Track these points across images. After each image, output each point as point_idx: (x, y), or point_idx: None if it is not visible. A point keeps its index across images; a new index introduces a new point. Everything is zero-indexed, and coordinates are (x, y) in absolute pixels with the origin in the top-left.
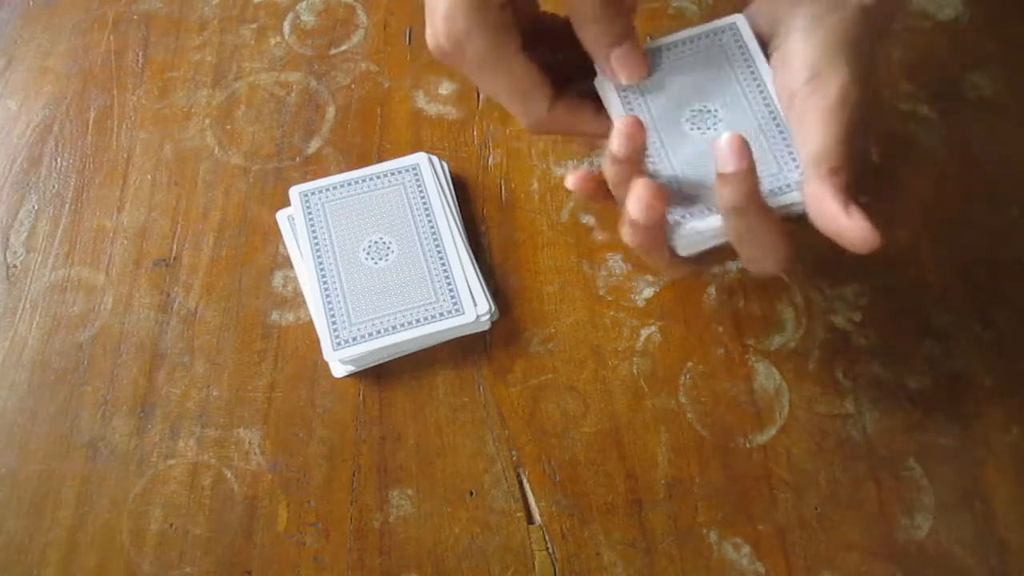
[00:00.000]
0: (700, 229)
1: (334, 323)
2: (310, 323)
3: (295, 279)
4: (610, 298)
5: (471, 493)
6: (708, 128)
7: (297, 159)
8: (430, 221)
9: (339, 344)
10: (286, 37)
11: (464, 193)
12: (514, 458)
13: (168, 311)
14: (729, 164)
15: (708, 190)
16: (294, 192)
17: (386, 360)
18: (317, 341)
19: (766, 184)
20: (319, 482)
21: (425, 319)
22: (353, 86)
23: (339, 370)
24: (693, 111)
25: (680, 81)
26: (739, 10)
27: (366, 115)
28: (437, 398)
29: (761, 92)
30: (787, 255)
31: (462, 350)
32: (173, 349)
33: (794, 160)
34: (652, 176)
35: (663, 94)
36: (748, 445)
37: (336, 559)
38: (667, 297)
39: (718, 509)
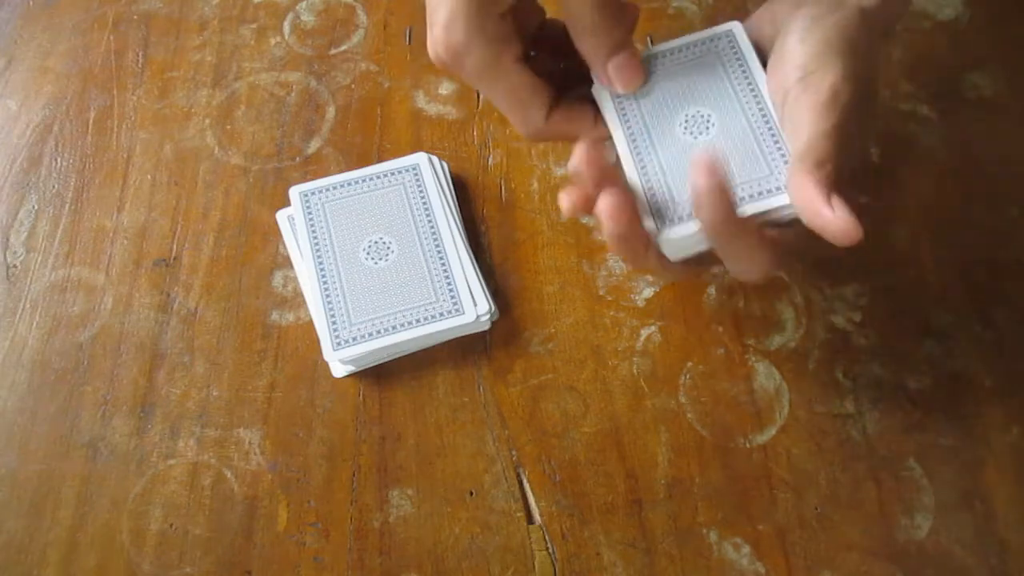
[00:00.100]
0: (676, 236)
1: (334, 323)
2: (310, 323)
3: (295, 279)
4: (610, 298)
5: (471, 493)
6: (701, 133)
7: (297, 159)
8: (430, 221)
9: (339, 344)
10: (286, 37)
11: (464, 193)
12: (514, 458)
13: (168, 311)
14: (700, 180)
15: (687, 198)
16: (294, 192)
17: (386, 360)
18: (317, 341)
19: (755, 187)
20: (319, 482)
21: (425, 319)
22: (353, 86)
23: (339, 370)
24: (687, 116)
25: (675, 87)
26: (739, 10)
27: (366, 115)
28: (437, 398)
29: (755, 97)
30: (770, 264)
31: (462, 350)
32: (173, 349)
33: (787, 165)
34: (629, 184)
35: (658, 101)
36: (748, 445)
37: (336, 559)
38: (667, 297)
39: (718, 509)
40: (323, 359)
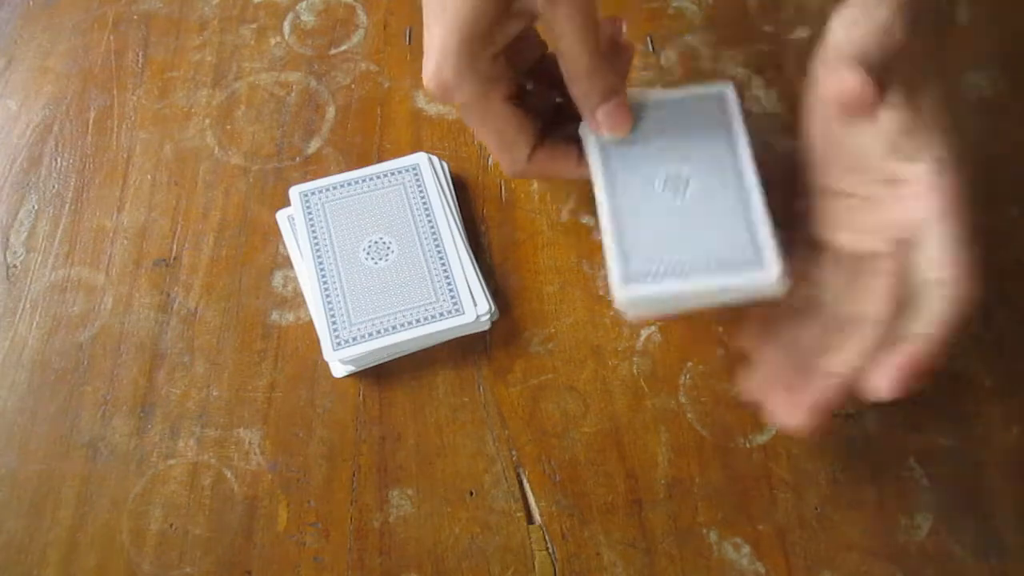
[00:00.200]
0: (636, 295)
1: (334, 323)
2: (310, 323)
3: (295, 279)
4: (610, 298)
5: (471, 493)
6: (678, 192)
7: (297, 159)
8: (430, 221)
9: (339, 344)
10: (286, 37)
11: (464, 193)
12: (514, 458)
13: (168, 311)
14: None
15: (666, 256)
16: (294, 192)
17: (386, 360)
18: (317, 341)
19: (721, 254)
20: (319, 482)
21: (425, 319)
22: (353, 86)
23: (339, 370)
24: (668, 173)
25: (659, 142)
26: (739, 10)
27: (366, 115)
28: (437, 398)
29: (735, 165)
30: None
31: (462, 350)
32: (173, 349)
33: (753, 244)
34: (601, 229)
35: (641, 152)
36: (748, 445)
37: (336, 559)
38: None
39: (718, 509)
40: (323, 359)
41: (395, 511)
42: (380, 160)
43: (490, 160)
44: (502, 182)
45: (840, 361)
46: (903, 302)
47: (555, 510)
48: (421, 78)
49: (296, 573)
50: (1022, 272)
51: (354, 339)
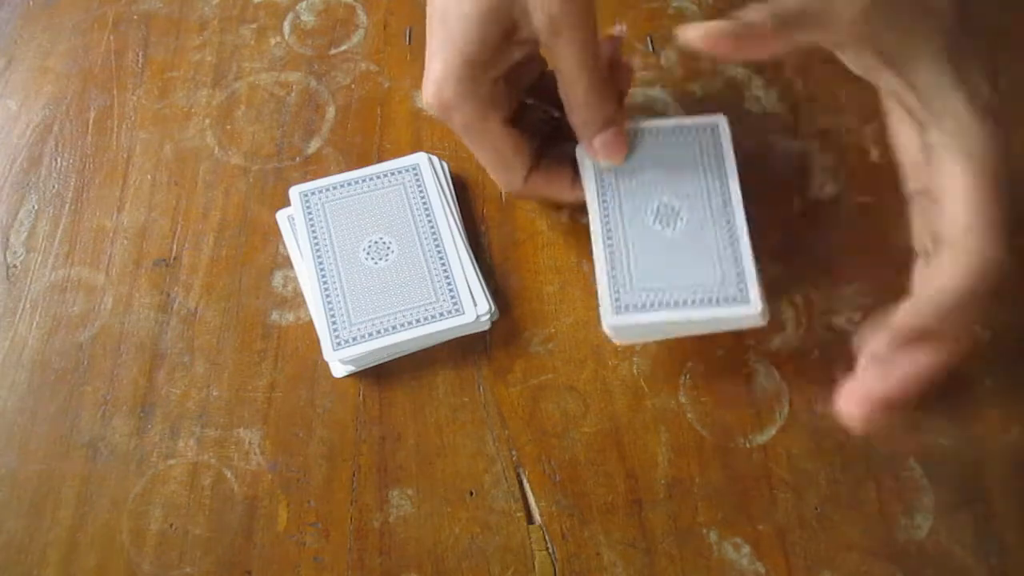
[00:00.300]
0: (624, 323)
1: (334, 323)
2: (310, 323)
3: (295, 279)
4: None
5: (471, 493)
6: (669, 225)
7: (297, 159)
8: (430, 221)
9: (339, 344)
10: (286, 37)
11: (464, 193)
12: (514, 458)
13: (168, 311)
14: None
15: (656, 286)
16: (294, 192)
17: (386, 360)
18: (317, 341)
19: (708, 287)
20: (319, 482)
21: (425, 319)
22: (353, 86)
23: (339, 370)
24: (660, 204)
25: (653, 171)
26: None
27: (366, 115)
28: (437, 398)
29: (725, 200)
30: None
31: (462, 350)
32: (173, 349)
33: (739, 279)
34: (593, 254)
35: (635, 180)
36: (748, 445)
37: (336, 559)
38: None
39: (718, 509)
40: (323, 359)
41: (395, 511)
42: (380, 160)
43: None
44: None
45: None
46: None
47: (555, 510)
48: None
49: (296, 573)
50: (1021, 271)
51: (354, 339)
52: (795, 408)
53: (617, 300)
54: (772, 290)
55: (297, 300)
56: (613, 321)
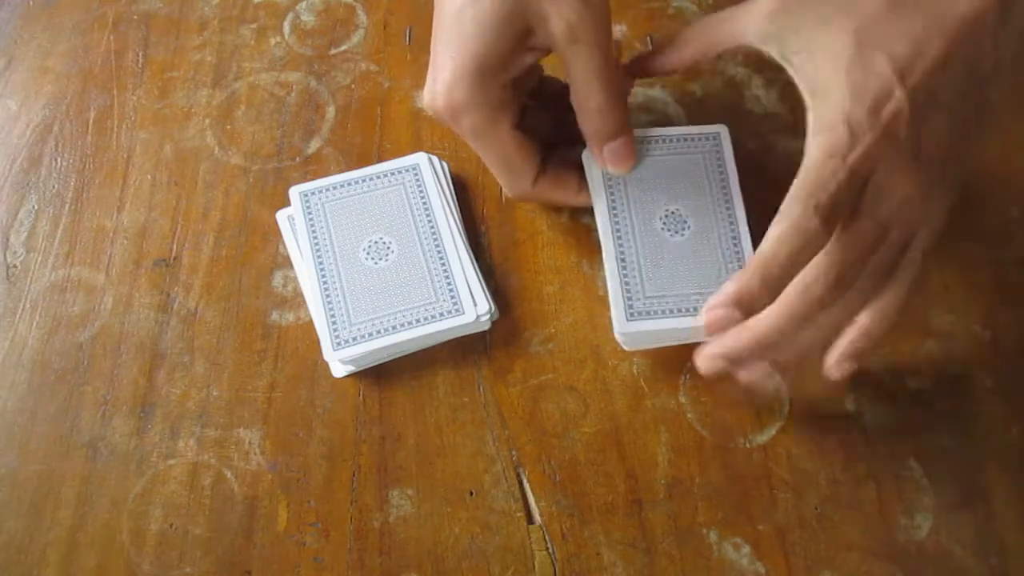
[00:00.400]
0: (635, 330)
1: (334, 323)
2: (310, 323)
3: (295, 279)
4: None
5: (471, 493)
6: (677, 232)
7: (297, 159)
8: (430, 221)
9: (339, 344)
10: (286, 37)
11: (464, 193)
12: (514, 458)
13: (168, 311)
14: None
15: (668, 293)
16: (294, 192)
17: (386, 360)
18: (317, 341)
19: (711, 295)
20: (319, 482)
21: (425, 319)
22: (353, 86)
23: (339, 370)
24: (668, 212)
25: (659, 179)
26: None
27: (366, 115)
28: (437, 398)
29: (728, 207)
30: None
31: (462, 350)
32: (173, 349)
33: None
34: (603, 256)
35: (642, 188)
36: (748, 445)
37: (336, 559)
38: None
39: (718, 509)
40: (323, 359)
41: (395, 511)
42: (380, 160)
43: None
44: None
45: None
46: None
47: (555, 510)
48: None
49: (296, 573)
50: (1022, 272)
51: (354, 339)
52: (795, 408)
53: (630, 307)
54: None
55: (297, 300)
56: (627, 328)
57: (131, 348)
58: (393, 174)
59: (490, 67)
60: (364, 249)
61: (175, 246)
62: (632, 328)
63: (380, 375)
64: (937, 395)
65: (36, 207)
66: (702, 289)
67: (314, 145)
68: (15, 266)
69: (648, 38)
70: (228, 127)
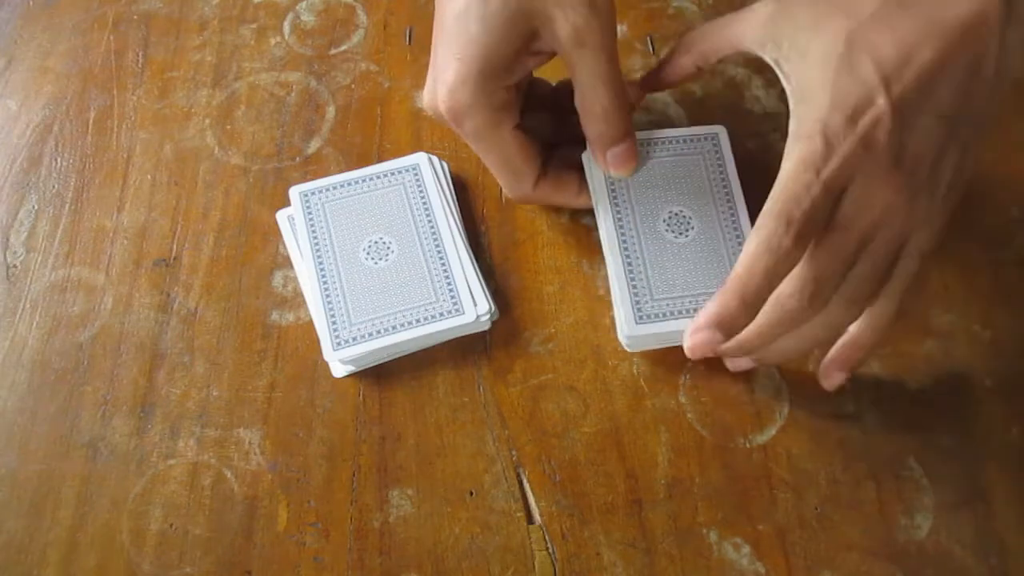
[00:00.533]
0: (643, 333)
1: (334, 323)
2: (310, 323)
3: (295, 279)
4: (609, 298)
5: (471, 493)
6: (681, 233)
7: (297, 159)
8: (430, 221)
9: (339, 344)
10: (286, 37)
11: (464, 193)
12: (514, 458)
13: (168, 311)
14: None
15: (673, 295)
16: (294, 192)
17: (386, 360)
18: (317, 341)
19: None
20: (319, 482)
21: (425, 319)
22: (353, 86)
23: (339, 370)
24: (670, 213)
25: (661, 181)
26: (737, 8)
27: (366, 115)
28: (437, 398)
29: (730, 207)
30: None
31: (462, 350)
32: (173, 349)
33: None
34: (608, 260)
35: (644, 190)
36: (748, 445)
37: (336, 559)
38: None
39: (718, 509)
40: (323, 359)
41: (395, 511)
42: (380, 160)
43: None
44: None
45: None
46: None
47: (555, 510)
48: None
49: (296, 573)
50: (1022, 272)
51: (354, 339)
52: (795, 408)
53: (639, 310)
54: None
55: (297, 300)
56: (635, 331)
57: (131, 348)
58: (393, 174)
59: (494, 70)
60: (364, 249)
61: (175, 246)
62: (640, 331)
63: (380, 375)
64: (937, 395)
65: (36, 207)
66: (708, 290)
67: (314, 145)
68: (15, 266)
69: (648, 38)
70: (228, 127)
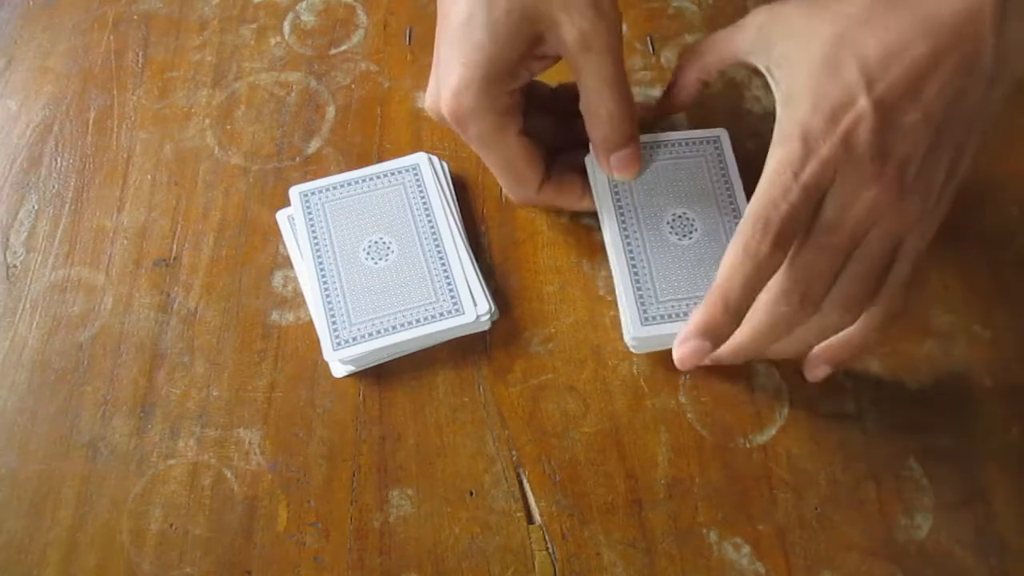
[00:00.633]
0: (648, 335)
1: (334, 323)
2: (310, 323)
3: (295, 279)
4: (610, 298)
5: (471, 493)
6: (685, 236)
7: (297, 159)
8: (430, 221)
9: (339, 344)
10: (286, 37)
11: (464, 193)
12: (514, 458)
13: (168, 311)
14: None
15: (679, 297)
16: (294, 192)
17: (386, 360)
18: (317, 341)
19: None
20: (319, 482)
21: (425, 319)
22: (353, 86)
23: (339, 370)
24: (674, 216)
25: (664, 184)
26: (739, 10)
27: (366, 115)
28: (437, 398)
29: (733, 209)
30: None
31: (462, 350)
32: (173, 349)
33: None
34: (613, 263)
35: (648, 193)
36: (748, 445)
37: (336, 559)
38: None
39: (718, 509)
40: (323, 359)
41: (395, 511)
42: (380, 160)
43: None
44: None
45: None
46: None
47: (555, 510)
48: (421, 78)
49: (296, 573)
50: (1022, 272)
51: (354, 339)
52: (795, 408)
53: (644, 312)
54: None
55: (297, 300)
56: (641, 333)
57: (131, 348)
58: (393, 174)
59: (499, 75)
60: (364, 249)
61: (175, 246)
62: (646, 333)
63: (380, 375)
64: (937, 395)
65: (36, 207)
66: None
67: (314, 145)
68: (15, 266)
69: (648, 38)
70: (228, 127)
